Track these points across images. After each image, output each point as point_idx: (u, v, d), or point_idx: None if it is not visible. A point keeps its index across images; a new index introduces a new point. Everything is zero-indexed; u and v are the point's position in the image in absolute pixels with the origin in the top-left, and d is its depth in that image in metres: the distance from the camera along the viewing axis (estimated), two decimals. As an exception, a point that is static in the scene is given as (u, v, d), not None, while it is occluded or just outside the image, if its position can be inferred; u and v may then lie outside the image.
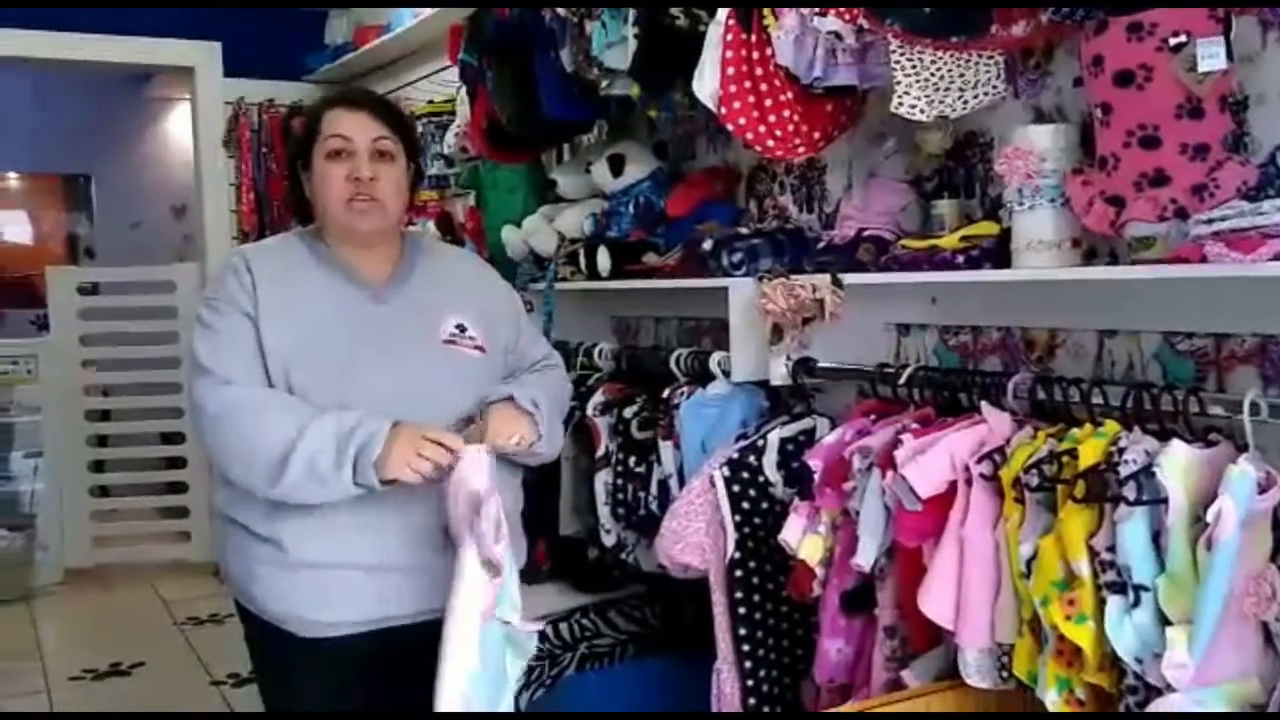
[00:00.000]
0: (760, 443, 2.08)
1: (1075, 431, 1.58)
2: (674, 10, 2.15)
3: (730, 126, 2.03)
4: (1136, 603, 1.39)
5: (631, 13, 2.25)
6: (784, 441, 2.07)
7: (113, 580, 5.23)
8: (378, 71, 4.52)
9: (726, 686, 2.04)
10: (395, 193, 1.92)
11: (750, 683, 2.03)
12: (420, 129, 3.71)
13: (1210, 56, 1.46)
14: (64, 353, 5.32)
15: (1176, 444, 1.44)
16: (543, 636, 2.42)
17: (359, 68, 4.58)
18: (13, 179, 7.56)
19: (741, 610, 2.03)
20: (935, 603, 1.63)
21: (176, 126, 7.06)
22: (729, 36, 2.01)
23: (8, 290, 7.22)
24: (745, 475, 2.04)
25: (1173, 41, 1.50)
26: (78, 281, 5.60)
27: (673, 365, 2.40)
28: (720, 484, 2.03)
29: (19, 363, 5.42)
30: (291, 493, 1.77)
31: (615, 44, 2.28)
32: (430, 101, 3.88)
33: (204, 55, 4.86)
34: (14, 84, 6.64)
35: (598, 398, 2.49)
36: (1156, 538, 1.41)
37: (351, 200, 1.88)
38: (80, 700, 3.81)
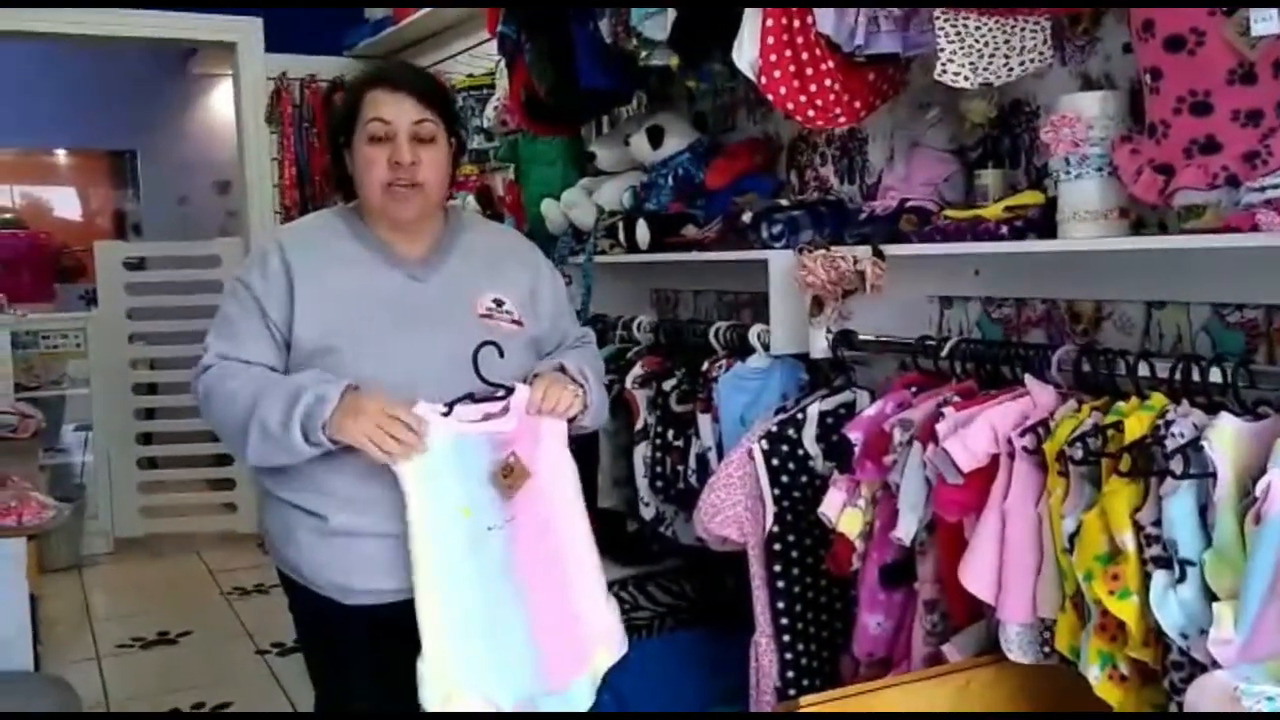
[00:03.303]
0: (800, 416, 2.06)
1: (1121, 405, 1.55)
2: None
3: (770, 96, 2.01)
4: (1182, 578, 1.37)
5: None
6: (824, 415, 2.06)
7: (161, 550, 5.32)
8: (418, 45, 4.53)
9: (765, 660, 2.04)
10: (436, 175, 1.91)
11: (789, 656, 2.03)
12: (460, 103, 3.71)
13: (1264, 20, 1.41)
14: (112, 327, 5.39)
15: (1225, 417, 1.41)
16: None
17: (399, 42, 4.59)
18: (61, 155, 7.66)
19: (780, 584, 2.02)
20: (976, 577, 1.61)
21: (220, 102, 7.12)
22: (769, 5, 1.98)
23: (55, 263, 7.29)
24: (784, 448, 2.03)
25: (1225, 5, 1.46)
26: (124, 256, 5.67)
27: (712, 338, 2.39)
28: (759, 457, 2.02)
29: (68, 336, 5.50)
30: (260, 457, 1.82)
31: (654, 14, 2.26)
32: (470, 75, 3.88)
33: (246, 30, 4.90)
34: (59, 60, 6.71)
35: (636, 371, 2.49)
36: (1203, 512, 1.38)
37: (391, 185, 1.88)
38: (128, 667, 3.89)
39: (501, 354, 1.84)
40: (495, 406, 1.84)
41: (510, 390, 1.85)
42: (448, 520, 1.80)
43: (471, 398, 1.82)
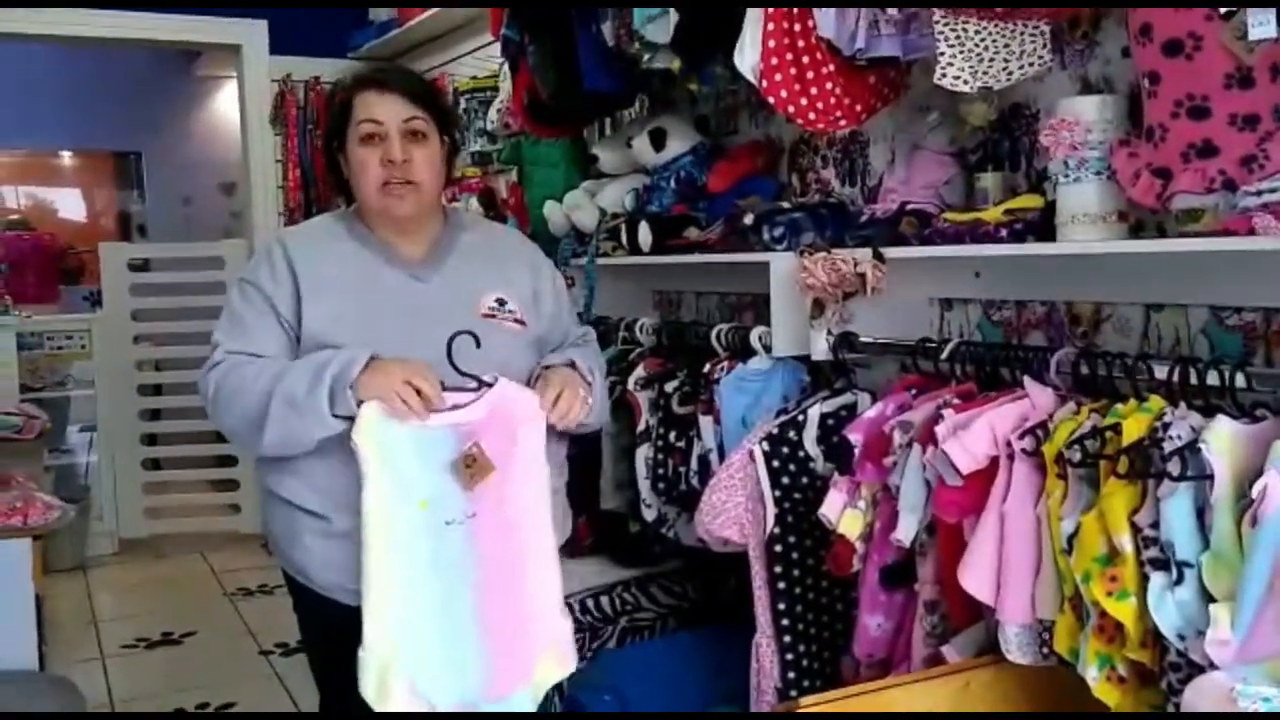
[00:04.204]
0: (800, 418, 2.07)
1: (1119, 407, 1.56)
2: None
3: (771, 99, 2.02)
4: (1179, 579, 1.38)
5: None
6: (824, 416, 2.07)
7: (165, 551, 5.33)
8: (421, 48, 4.54)
9: (766, 661, 2.05)
10: (430, 172, 1.93)
11: (789, 657, 2.03)
12: (463, 105, 3.73)
13: (1261, 24, 1.42)
14: (116, 328, 5.41)
15: (1222, 419, 1.42)
16: (583, 610, 2.44)
17: (403, 44, 4.60)
18: (66, 156, 7.68)
19: (781, 585, 2.03)
20: (976, 578, 1.62)
21: (224, 104, 7.14)
22: (770, 8, 1.99)
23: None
24: (785, 450, 2.04)
25: (1223, 9, 1.46)
26: (128, 258, 5.69)
27: (713, 340, 2.40)
28: (760, 459, 2.03)
29: (73, 338, 5.52)
30: (277, 437, 1.81)
31: (657, 17, 2.27)
32: (474, 78, 3.90)
33: (250, 33, 4.91)
34: (65, 61, 6.73)
35: (639, 372, 2.50)
36: (1201, 514, 1.39)
37: (387, 184, 1.90)
38: (133, 668, 3.90)
39: (478, 344, 1.83)
40: (465, 397, 1.82)
41: (487, 384, 1.83)
42: (405, 510, 1.79)
43: (442, 385, 1.80)
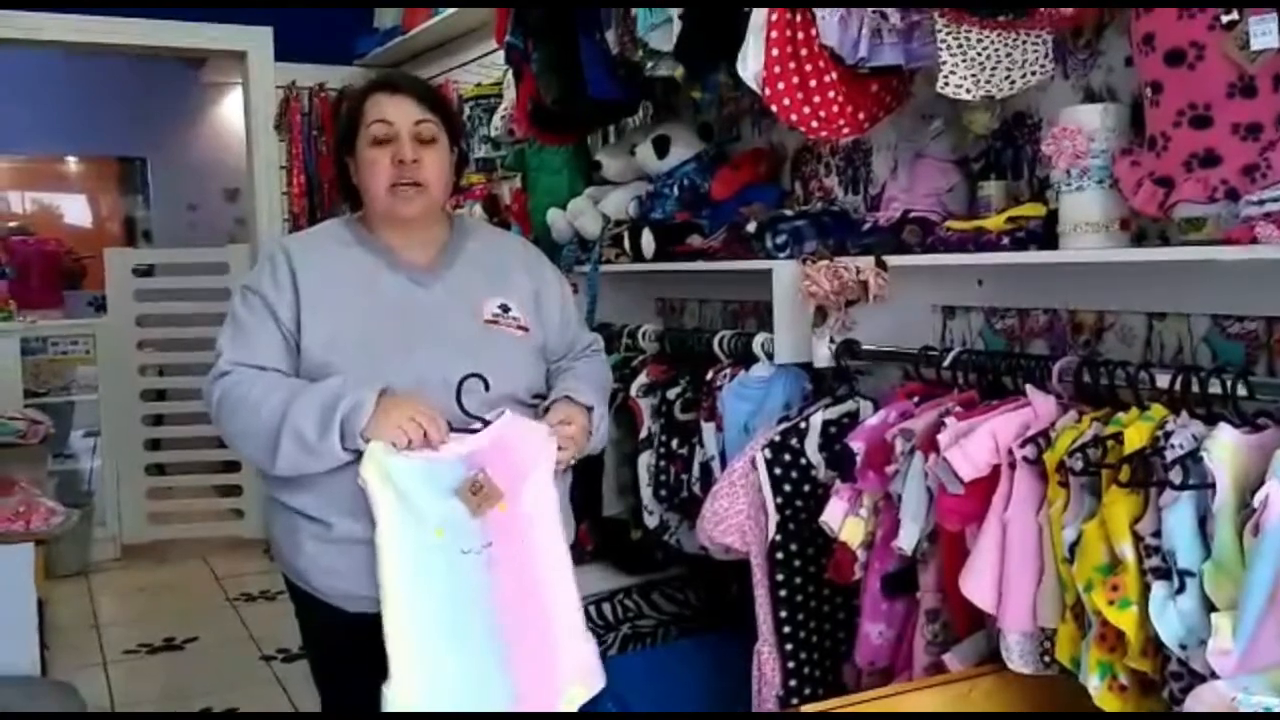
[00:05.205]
0: (802, 425, 2.07)
1: (1121, 415, 1.56)
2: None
3: (774, 108, 2.02)
4: (1181, 588, 1.38)
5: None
6: (826, 424, 2.07)
7: (168, 556, 5.33)
8: (426, 55, 4.55)
9: (768, 668, 2.05)
10: (439, 176, 1.94)
11: (791, 664, 2.03)
12: (467, 112, 3.74)
13: (1263, 34, 1.43)
14: (120, 333, 5.41)
15: (1224, 428, 1.42)
16: (586, 616, 2.44)
17: (408, 51, 4.61)
18: (71, 162, 7.70)
19: (782, 592, 2.03)
20: (977, 586, 1.62)
21: (230, 110, 7.16)
22: (773, 17, 2.00)
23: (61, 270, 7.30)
24: (787, 457, 2.04)
25: (1225, 19, 1.47)
26: (133, 263, 5.70)
27: (716, 347, 2.40)
28: (762, 466, 2.03)
29: (78, 343, 5.53)
30: (291, 467, 1.81)
31: (660, 25, 2.28)
32: (478, 84, 3.90)
33: (255, 40, 4.92)
34: (71, 68, 6.75)
35: (641, 379, 2.50)
36: (1203, 523, 1.39)
37: (396, 185, 1.90)
38: (135, 673, 3.90)
39: (487, 387, 1.82)
40: (470, 437, 1.81)
41: (489, 422, 1.82)
42: (421, 536, 1.78)
43: (449, 427, 1.79)
